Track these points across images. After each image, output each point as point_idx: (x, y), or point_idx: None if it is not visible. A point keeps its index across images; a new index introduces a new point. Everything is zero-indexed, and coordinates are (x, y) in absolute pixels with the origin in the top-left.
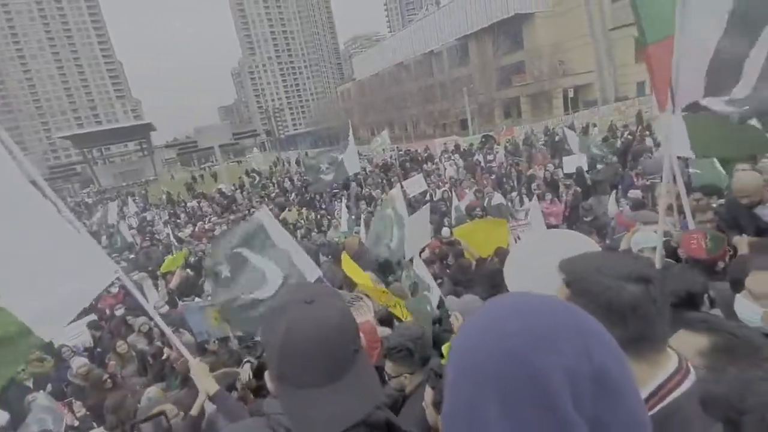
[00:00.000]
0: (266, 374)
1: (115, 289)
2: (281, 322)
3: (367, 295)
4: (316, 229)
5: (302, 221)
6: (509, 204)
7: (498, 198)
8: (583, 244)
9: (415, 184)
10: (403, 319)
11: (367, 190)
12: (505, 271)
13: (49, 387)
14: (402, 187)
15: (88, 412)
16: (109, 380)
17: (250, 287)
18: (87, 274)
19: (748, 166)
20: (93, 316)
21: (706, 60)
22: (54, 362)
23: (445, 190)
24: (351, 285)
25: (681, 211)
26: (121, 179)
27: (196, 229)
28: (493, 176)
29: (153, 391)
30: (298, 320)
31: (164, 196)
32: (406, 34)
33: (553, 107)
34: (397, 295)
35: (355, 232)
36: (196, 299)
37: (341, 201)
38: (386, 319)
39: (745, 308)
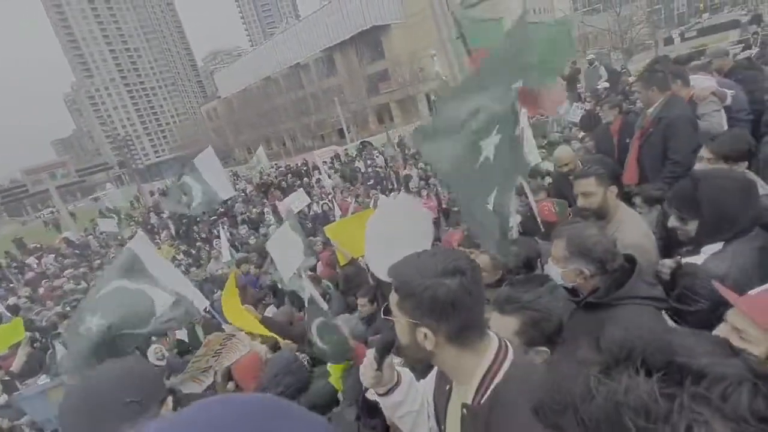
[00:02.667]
0: None
1: None
2: None
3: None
4: (194, 265)
5: (178, 257)
6: None
7: (382, 199)
8: (409, 204)
9: (297, 200)
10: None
11: (249, 212)
12: (366, 257)
13: None
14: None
15: None
16: None
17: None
18: None
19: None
20: None
21: None
22: None
23: (325, 202)
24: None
25: (522, 193)
26: None
27: (42, 290)
28: (371, 181)
29: None
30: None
31: None
32: (269, 48)
33: (420, 110)
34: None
35: (238, 260)
36: (41, 379)
37: (221, 229)
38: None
39: (551, 270)
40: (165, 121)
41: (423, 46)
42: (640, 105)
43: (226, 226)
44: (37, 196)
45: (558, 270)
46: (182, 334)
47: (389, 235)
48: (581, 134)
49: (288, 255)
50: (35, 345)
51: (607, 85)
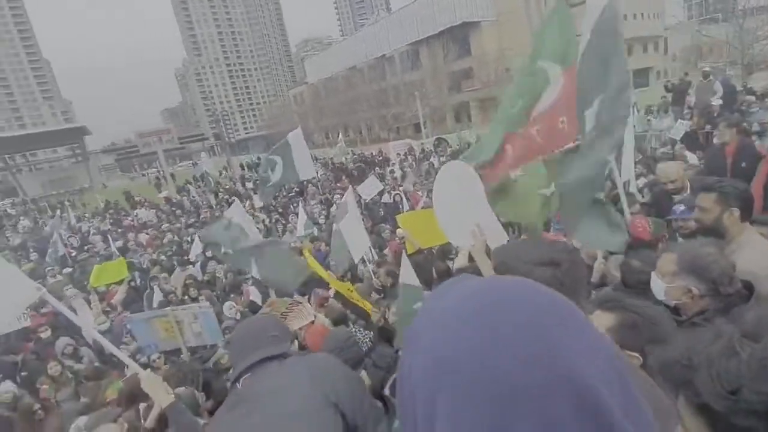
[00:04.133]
0: None
1: (46, 309)
2: None
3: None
4: (268, 236)
5: (258, 226)
6: None
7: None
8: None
9: (370, 186)
10: (370, 313)
11: (323, 194)
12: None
13: None
14: (355, 190)
15: None
16: (40, 411)
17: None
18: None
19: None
20: None
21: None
22: None
23: (397, 193)
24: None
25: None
26: (50, 188)
27: (143, 237)
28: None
29: (83, 420)
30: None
31: (102, 205)
32: (358, 38)
33: None
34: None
35: (309, 236)
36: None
37: (298, 205)
38: (340, 320)
39: (655, 284)
40: (256, 101)
41: (512, 45)
42: (757, 126)
43: (301, 203)
44: (145, 156)
45: (662, 285)
46: (255, 296)
47: (450, 201)
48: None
49: (358, 238)
50: (131, 283)
51: (720, 102)
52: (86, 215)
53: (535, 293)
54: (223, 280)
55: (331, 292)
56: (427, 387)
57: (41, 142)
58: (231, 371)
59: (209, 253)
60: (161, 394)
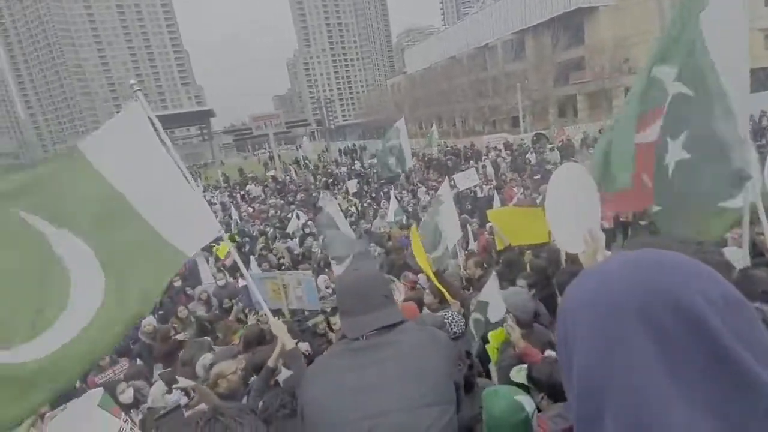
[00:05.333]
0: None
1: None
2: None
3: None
4: (360, 219)
5: (351, 209)
6: None
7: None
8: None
9: (466, 178)
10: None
11: (413, 185)
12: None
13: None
14: (452, 181)
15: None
16: (174, 335)
17: None
18: (205, 222)
19: None
20: None
21: None
22: None
23: (491, 188)
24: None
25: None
26: (185, 161)
27: (254, 211)
28: (543, 176)
29: (209, 357)
30: (344, 275)
31: (222, 178)
32: (460, 27)
33: (614, 107)
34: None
35: (398, 222)
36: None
37: (390, 191)
38: (418, 304)
39: None
40: (356, 90)
41: (633, 33)
42: None
43: (393, 190)
44: (256, 138)
45: None
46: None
47: (564, 204)
48: None
49: (451, 229)
50: (243, 250)
51: None
52: (210, 186)
53: (668, 253)
54: (318, 254)
55: (422, 278)
56: (570, 320)
57: (178, 121)
58: (339, 324)
59: (307, 230)
60: (286, 339)
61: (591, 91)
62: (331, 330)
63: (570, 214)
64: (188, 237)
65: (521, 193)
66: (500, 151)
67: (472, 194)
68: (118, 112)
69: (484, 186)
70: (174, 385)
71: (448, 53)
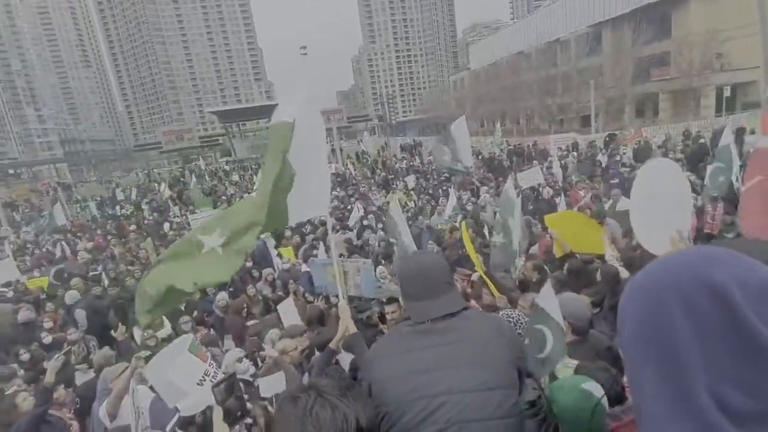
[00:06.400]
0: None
1: None
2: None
3: None
4: (418, 215)
5: (409, 203)
6: None
7: (626, 203)
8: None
9: (531, 177)
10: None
11: (474, 183)
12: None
13: (195, 313)
14: (516, 179)
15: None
16: (246, 309)
17: None
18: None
19: None
20: None
21: None
22: (200, 294)
23: (557, 189)
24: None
25: None
26: (253, 152)
27: None
28: (616, 179)
29: (276, 333)
30: (407, 259)
31: None
32: (530, 21)
33: (701, 107)
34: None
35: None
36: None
37: (449, 189)
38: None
39: None
40: (417, 86)
41: (729, 26)
42: None
43: (453, 188)
44: None
45: None
46: None
47: (651, 202)
48: None
49: (517, 228)
50: (304, 238)
51: None
52: None
53: (723, 249)
54: (376, 247)
55: (475, 276)
56: (625, 298)
57: (250, 114)
58: (402, 307)
59: (366, 222)
60: (350, 323)
61: (675, 90)
62: (383, 321)
63: (658, 212)
64: (300, 206)
65: (590, 198)
66: (567, 151)
67: (535, 195)
68: (200, 105)
69: (548, 187)
70: (261, 352)
71: (515, 48)
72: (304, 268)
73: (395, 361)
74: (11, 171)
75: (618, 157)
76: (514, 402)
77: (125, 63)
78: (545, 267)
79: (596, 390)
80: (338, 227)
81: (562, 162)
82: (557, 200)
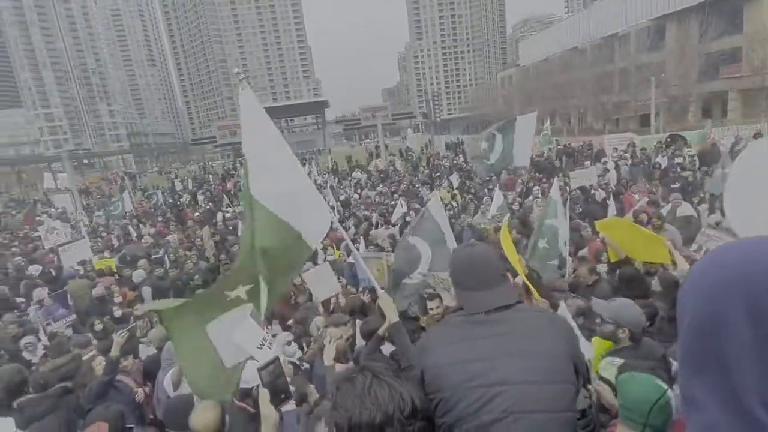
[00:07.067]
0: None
1: None
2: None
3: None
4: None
5: (452, 202)
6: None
7: (687, 208)
8: None
9: (584, 176)
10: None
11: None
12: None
13: None
14: (567, 178)
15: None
16: (293, 297)
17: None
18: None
19: None
20: None
21: None
22: None
23: (610, 191)
24: None
25: None
26: (299, 147)
27: (359, 197)
28: (678, 184)
29: (321, 320)
30: (460, 251)
31: (331, 165)
32: (585, 15)
33: None
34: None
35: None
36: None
37: (494, 188)
38: None
39: None
40: (464, 83)
41: None
42: None
43: (498, 187)
44: (363, 128)
45: None
46: None
47: (754, 184)
48: None
49: (564, 230)
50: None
51: None
52: (322, 171)
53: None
54: None
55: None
56: (686, 287)
57: (298, 111)
58: (455, 297)
59: (408, 218)
60: (392, 312)
61: (747, 88)
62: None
63: (758, 197)
64: (312, 230)
65: (647, 202)
66: (623, 152)
67: (585, 197)
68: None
69: (600, 189)
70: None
71: (569, 44)
72: (348, 260)
73: (449, 349)
74: (86, 161)
75: (680, 159)
76: (571, 397)
77: (186, 61)
78: (596, 270)
79: (665, 385)
80: (382, 223)
81: (616, 163)
82: (609, 203)
